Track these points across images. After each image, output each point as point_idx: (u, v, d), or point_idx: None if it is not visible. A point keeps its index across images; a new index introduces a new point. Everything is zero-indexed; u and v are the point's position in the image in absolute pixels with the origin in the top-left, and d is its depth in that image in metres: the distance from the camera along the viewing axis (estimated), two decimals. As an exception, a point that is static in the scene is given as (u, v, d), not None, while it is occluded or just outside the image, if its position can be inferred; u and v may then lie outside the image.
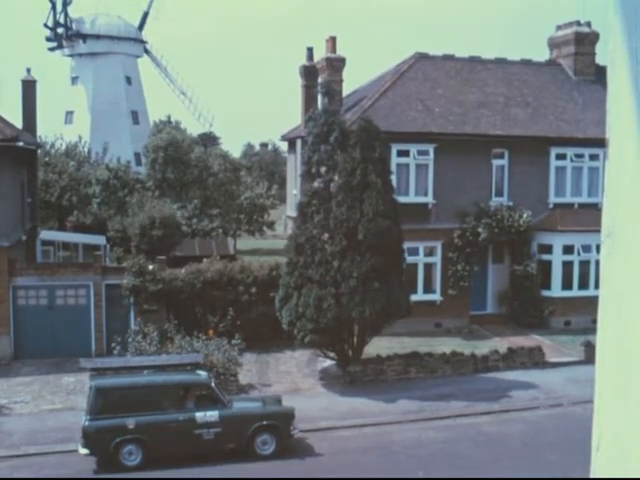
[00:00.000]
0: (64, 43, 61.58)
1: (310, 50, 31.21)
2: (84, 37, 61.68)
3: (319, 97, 27.33)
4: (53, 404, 20.27)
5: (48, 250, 34.70)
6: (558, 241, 28.54)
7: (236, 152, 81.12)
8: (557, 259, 28.59)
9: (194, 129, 69.82)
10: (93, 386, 16.29)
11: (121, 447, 16.04)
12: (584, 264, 28.40)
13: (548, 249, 28.79)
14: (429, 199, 28.09)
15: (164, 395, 16.56)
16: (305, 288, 21.05)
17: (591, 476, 1.98)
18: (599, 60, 31.90)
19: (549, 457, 16.40)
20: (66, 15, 60.76)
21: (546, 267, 28.70)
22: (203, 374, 17.47)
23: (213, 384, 17.09)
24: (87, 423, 15.99)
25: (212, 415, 16.41)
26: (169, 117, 53.19)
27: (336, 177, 21.59)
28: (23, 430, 18.36)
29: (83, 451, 15.98)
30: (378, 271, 20.61)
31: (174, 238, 33.31)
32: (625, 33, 1.83)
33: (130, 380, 17.02)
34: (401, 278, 22.02)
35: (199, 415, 16.37)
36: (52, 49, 62.47)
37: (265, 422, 16.67)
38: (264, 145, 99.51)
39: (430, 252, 28.41)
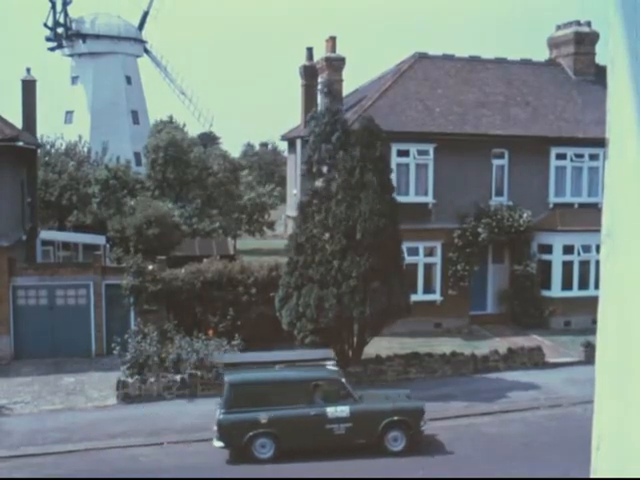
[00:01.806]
0: (64, 43, 61.60)
1: (310, 50, 31.23)
2: (84, 37, 61.69)
3: (319, 97, 27.34)
4: (53, 404, 20.27)
5: (48, 250, 34.69)
6: (558, 241, 28.53)
7: (236, 152, 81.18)
8: (557, 259, 28.58)
9: (194, 129, 69.98)
10: (227, 381, 16.65)
11: (254, 440, 16.37)
12: (584, 264, 28.39)
13: (548, 249, 28.78)
14: (429, 199, 28.09)
15: (296, 390, 16.80)
16: (305, 288, 21.03)
17: (591, 476, 1.98)
18: (599, 60, 31.95)
19: (549, 457, 16.40)
20: (66, 15, 60.77)
21: (546, 267, 28.70)
22: (333, 369, 17.69)
23: (344, 379, 17.29)
24: (221, 417, 16.35)
25: (343, 410, 16.64)
26: (171, 117, 53.18)
27: (337, 176, 21.58)
28: (23, 430, 18.36)
29: (218, 444, 16.38)
30: (377, 271, 20.61)
31: (172, 237, 33.31)
32: (625, 33, 1.83)
33: (263, 375, 17.38)
34: (400, 278, 22.00)
35: (330, 410, 16.60)
36: (52, 49, 62.50)
37: (396, 418, 16.79)
38: (264, 145, 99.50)
39: (430, 252, 28.40)
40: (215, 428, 16.47)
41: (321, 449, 16.44)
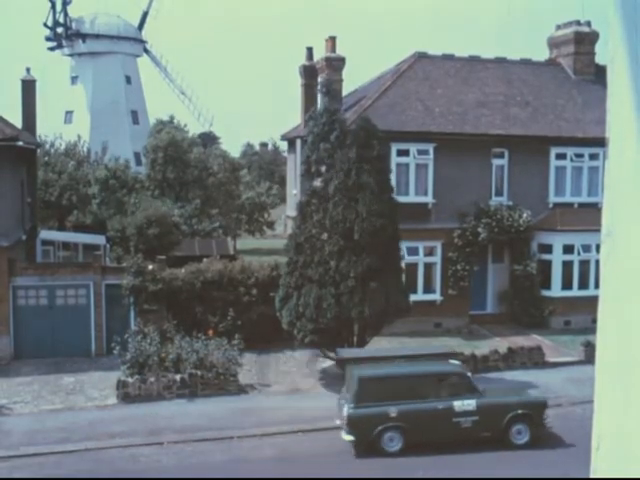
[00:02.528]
0: (64, 43, 61.63)
1: (310, 50, 31.25)
2: (84, 37, 61.72)
3: (319, 96, 27.34)
4: (53, 404, 20.26)
5: (48, 250, 34.69)
6: (558, 241, 28.53)
7: (236, 152, 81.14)
8: (557, 259, 28.58)
9: (194, 129, 69.83)
10: (356, 376, 16.90)
11: (383, 434, 16.64)
12: (584, 264, 28.40)
13: (548, 249, 28.78)
14: (429, 199, 28.09)
15: (423, 384, 17.09)
16: (305, 288, 21.05)
17: (591, 476, 1.99)
18: (599, 60, 31.94)
19: (549, 457, 16.41)
20: (66, 15, 60.78)
21: (546, 267, 28.70)
22: (457, 363, 18.07)
23: (469, 373, 17.60)
24: (351, 411, 16.59)
25: (469, 404, 16.91)
26: (171, 117, 53.17)
27: (334, 177, 21.59)
28: (23, 430, 18.35)
29: (347, 437, 16.68)
30: (375, 271, 20.62)
31: (172, 237, 33.32)
32: (625, 33, 1.83)
33: (390, 370, 17.73)
34: (399, 278, 22.01)
35: (457, 404, 16.88)
36: (52, 49, 62.51)
37: (520, 411, 17.03)
38: (264, 145, 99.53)
39: (430, 252, 28.40)
40: (342, 422, 16.82)
41: (447, 442, 16.70)
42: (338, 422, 17.19)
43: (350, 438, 16.67)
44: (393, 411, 16.67)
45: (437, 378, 17.27)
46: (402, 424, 16.67)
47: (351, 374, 17.25)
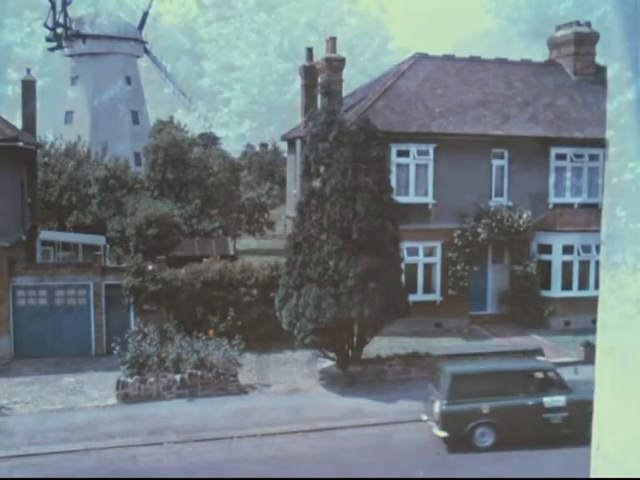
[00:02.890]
0: (64, 43, 61.57)
1: (310, 50, 31.26)
2: (84, 37, 61.70)
3: (319, 97, 27.32)
4: (53, 404, 20.27)
5: (48, 250, 34.69)
6: (558, 241, 28.54)
7: (236, 153, 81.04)
8: (557, 259, 28.59)
9: (194, 129, 69.55)
10: (449, 372, 17.19)
11: (475, 429, 16.92)
12: (584, 264, 28.40)
13: (548, 249, 28.79)
14: (429, 199, 28.08)
15: (513, 381, 17.33)
16: (304, 288, 21.04)
17: (591, 476, 1.99)
18: (599, 60, 31.90)
19: (549, 457, 16.41)
20: (66, 15, 60.71)
21: (546, 267, 28.70)
22: (544, 360, 18.45)
23: (557, 370, 17.74)
24: (444, 407, 16.83)
25: (559, 400, 17.10)
26: (171, 118, 53.13)
27: (331, 177, 21.59)
28: (23, 430, 18.35)
29: (441, 434, 16.90)
30: (374, 270, 20.62)
31: (171, 237, 33.32)
32: (625, 33, 1.83)
33: (481, 366, 18.25)
34: (398, 278, 22.00)
35: (547, 400, 17.09)
36: (52, 49, 62.48)
37: None
38: (264, 145, 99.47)
39: (430, 252, 28.40)
40: (433, 418, 17.05)
41: (537, 438, 16.81)
42: (425, 418, 17.48)
43: (444, 434, 16.84)
44: (485, 407, 16.88)
45: (527, 374, 17.54)
46: (494, 420, 16.87)
47: (443, 371, 17.46)
